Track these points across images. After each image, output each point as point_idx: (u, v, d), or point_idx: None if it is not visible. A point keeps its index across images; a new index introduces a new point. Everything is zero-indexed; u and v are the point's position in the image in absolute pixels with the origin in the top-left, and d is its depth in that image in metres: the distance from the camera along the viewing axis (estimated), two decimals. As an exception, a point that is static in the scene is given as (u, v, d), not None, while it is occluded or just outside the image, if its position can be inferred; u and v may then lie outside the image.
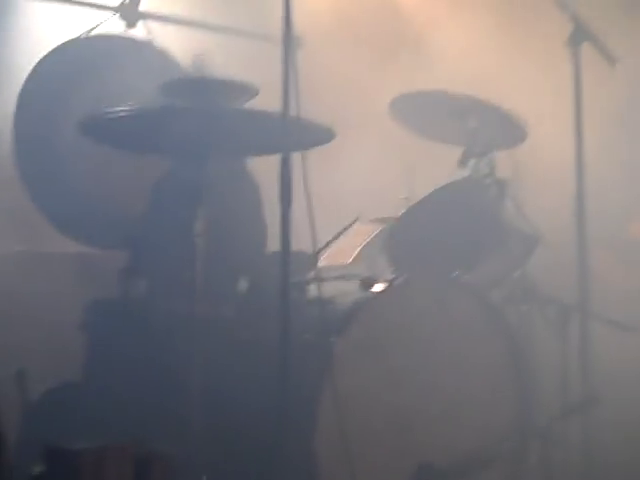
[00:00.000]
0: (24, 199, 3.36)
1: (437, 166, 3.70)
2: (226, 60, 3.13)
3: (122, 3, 3.77)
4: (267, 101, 2.57)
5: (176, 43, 3.75)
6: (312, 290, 2.81)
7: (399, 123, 3.67)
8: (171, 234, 2.84)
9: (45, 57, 3.47)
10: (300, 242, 2.54)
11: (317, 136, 2.73)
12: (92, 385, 2.88)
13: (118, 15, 3.76)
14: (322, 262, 3.51)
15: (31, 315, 3.18)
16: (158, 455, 2.22)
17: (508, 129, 3.46)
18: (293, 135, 2.46)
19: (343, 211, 3.59)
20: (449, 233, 3.23)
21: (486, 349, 2.91)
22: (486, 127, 3.41)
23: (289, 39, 2.50)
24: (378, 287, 2.81)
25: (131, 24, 3.80)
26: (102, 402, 2.77)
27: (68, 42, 3.54)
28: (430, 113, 3.58)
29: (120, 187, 3.36)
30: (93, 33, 3.62)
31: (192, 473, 2.52)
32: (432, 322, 2.81)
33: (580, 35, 3.23)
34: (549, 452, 2.87)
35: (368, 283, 2.84)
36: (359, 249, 3.54)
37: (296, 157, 2.49)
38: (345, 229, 3.52)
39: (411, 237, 3.25)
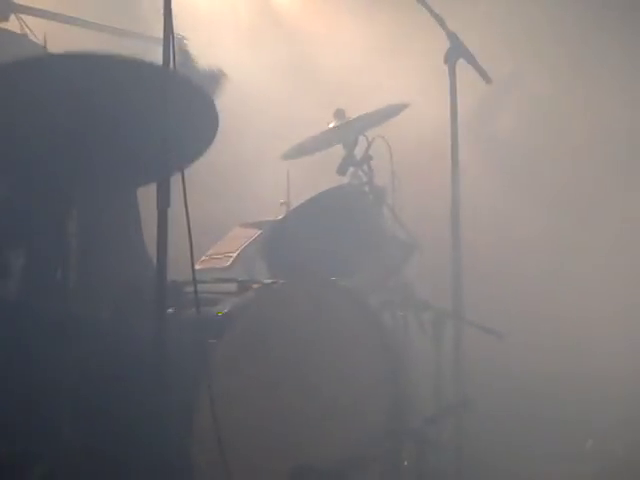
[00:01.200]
0: None
1: (316, 172, 3.74)
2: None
3: (-6, -4, 3.64)
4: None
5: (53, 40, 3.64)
6: (190, 292, 2.77)
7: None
8: (41, 232, 2.74)
9: None
10: (178, 245, 2.50)
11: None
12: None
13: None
14: (201, 265, 3.49)
15: None
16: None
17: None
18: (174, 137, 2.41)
19: (222, 214, 3.58)
20: (328, 238, 3.26)
21: (363, 352, 2.93)
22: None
23: (170, 37, 2.45)
24: (256, 290, 2.79)
25: (4, 17, 3.67)
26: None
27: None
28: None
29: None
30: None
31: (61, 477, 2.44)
32: (310, 325, 2.81)
33: (456, 52, 3.32)
34: (423, 454, 2.92)
35: (246, 286, 2.81)
36: (237, 252, 3.52)
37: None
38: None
39: (289, 241, 3.26)
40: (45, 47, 3.53)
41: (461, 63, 3.30)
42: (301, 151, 3.73)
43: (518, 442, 3.74)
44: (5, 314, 2.74)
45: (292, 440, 2.74)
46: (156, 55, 2.50)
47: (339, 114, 3.63)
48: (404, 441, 2.96)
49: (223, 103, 2.77)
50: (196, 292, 2.45)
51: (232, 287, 2.88)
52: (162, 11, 2.44)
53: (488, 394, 3.39)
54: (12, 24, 3.68)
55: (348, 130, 3.58)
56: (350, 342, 2.92)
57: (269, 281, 2.79)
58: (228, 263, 3.49)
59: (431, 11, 3.27)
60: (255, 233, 3.57)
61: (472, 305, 3.32)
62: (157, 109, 2.38)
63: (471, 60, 3.27)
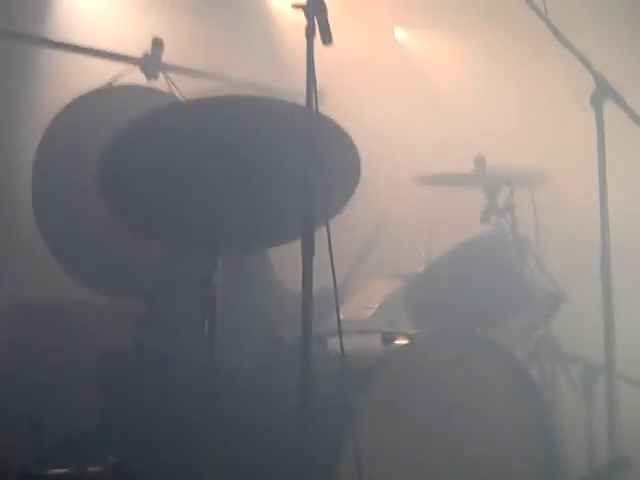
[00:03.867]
0: (42, 248, 3.33)
1: (457, 223, 3.69)
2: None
3: (144, 55, 3.78)
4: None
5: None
6: (333, 343, 2.75)
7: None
8: (188, 284, 2.79)
9: (66, 107, 3.47)
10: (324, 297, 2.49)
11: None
12: (107, 438, 2.81)
13: (139, 67, 3.78)
14: (342, 316, 3.46)
15: (46, 366, 3.13)
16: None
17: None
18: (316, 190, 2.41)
19: (364, 266, 3.56)
20: (471, 290, 3.19)
21: (510, 408, 2.83)
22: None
23: (312, 94, 2.47)
24: (400, 342, 2.75)
25: (152, 76, 3.80)
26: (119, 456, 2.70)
27: (89, 93, 3.54)
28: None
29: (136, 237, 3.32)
30: (114, 84, 3.63)
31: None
32: (455, 379, 2.75)
33: (603, 93, 3.21)
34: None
35: (390, 338, 2.78)
36: (379, 304, 3.50)
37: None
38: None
39: (432, 293, 3.22)
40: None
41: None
42: (438, 180, 3.67)
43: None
44: (153, 364, 2.79)
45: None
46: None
47: (479, 161, 3.57)
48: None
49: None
50: (341, 342, 2.43)
51: (375, 339, 2.86)
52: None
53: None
54: (160, 83, 3.80)
55: (489, 178, 3.52)
56: (496, 398, 2.83)
57: (413, 332, 2.75)
58: (369, 315, 3.47)
59: (573, 50, 3.17)
60: (397, 285, 3.54)
61: (625, 359, 3.16)
62: (300, 152, 2.39)
63: (620, 101, 3.15)
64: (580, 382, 3.18)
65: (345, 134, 2.64)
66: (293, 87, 3.99)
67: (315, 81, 2.45)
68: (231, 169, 2.66)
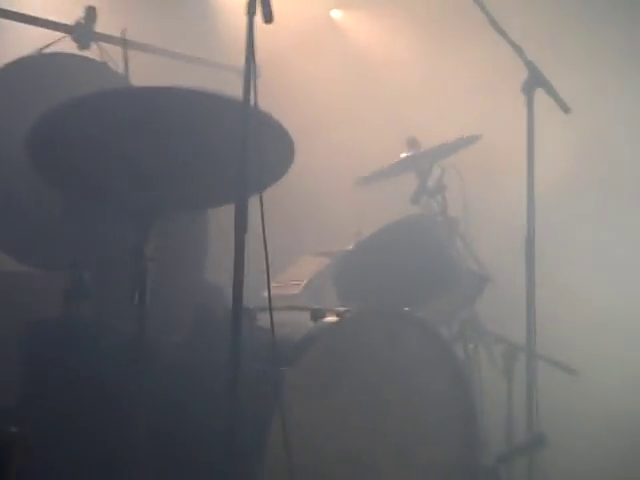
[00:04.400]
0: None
1: (388, 201, 3.74)
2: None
3: (77, 23, 3.72)
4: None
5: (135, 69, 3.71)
6: (262, 318, 2.77)
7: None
8: (119, 255, 2.77)
9: (-5, 73, 3.40)
10: (253, 272, 2.50)
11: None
12: (30, 406, 2.78)
13: (71, 36, 3.72)
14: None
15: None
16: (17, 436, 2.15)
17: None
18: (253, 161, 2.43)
19: (294, 242, 3.59)
20: (400, 269, 3.24)
21: (434, 385, 2.90)
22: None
23: (251, 70, 2.47)
24: (329, 319, 2.78)
25: (84, 44, 3.74)
26: (39, 425, 2.68)
27: (20, 59, 3.47)
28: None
29: (67, 207, 3.27)
30: (46, 51, 3.56)
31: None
32: (382, 356, 2.79)
33: (534, 81, 3.28)
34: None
35: (319, 314, 2.80)
36: (307, 281, 3.52)
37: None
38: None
39: (361, 271, 3.26)
40: (125, 75, 3.62)
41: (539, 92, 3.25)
42: (374, 178, 3.73)
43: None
44: (83, 334, 2.78)
45: (361, 473, 2.71)
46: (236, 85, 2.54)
47: (412, 142, 3.62)
48: (475, 479, 2.90)
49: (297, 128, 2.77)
50: (272, 318, 2.44)
51: (304, 315, 2.88)
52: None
53: (561, 431, 3.30)
54: (93, 52, 3.74)
55: (421, 159, 3.57)
56: (421, 374, 2.89)
57: (342, 309, 2.78)
58: (298, 291, 3.49)
59: (509, 40, 3.24)
60: (325, 262, 3.57)
61: (546, 339, 3.26)
62: (235, 143, 2.40)
63: (550, 90, 3.23)
64: (502, 361, 3.26)
65: (279, 124, 2.66)
66: (231, 62, 4.02)
67: (254, 58, 2.47)
68: (165, 151, 2.66)
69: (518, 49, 3.28)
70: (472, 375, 3.19)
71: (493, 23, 3.24)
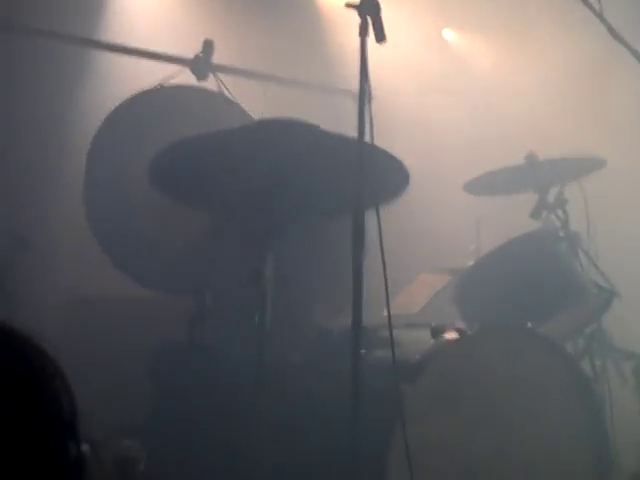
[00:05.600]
0: (93, 245, 3.39)
1: (507, 217, 3.67)
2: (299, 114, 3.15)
3: (195, 56, 3.84)
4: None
5: (248, 97, 3.79)
6: (382, 337, 2.76)
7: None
8: (239, 279, 2.83)
9: (118, 107, 3.53)
10: (371, 290, 2.50)
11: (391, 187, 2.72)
12: (157, 431, 2.86)
13: (190, 68, 3.84)
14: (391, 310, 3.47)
15: (99, 360, 3.18)
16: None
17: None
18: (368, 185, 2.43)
19: (412, 261, 3.56)
20: (522, 284, 3.17)
21: (562, 403, 2.80)
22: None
23: (365, 92, 2.48)
24: (449, 336, 2.75)
25: (202, 76, 3.85)
26: (166, 449, 2.75)
27: (141, 93, 3.60)
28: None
29: (189, 234, 3.37)
30: (166, 84, 3.68)
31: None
32: (505, 374, 2.73)
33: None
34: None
35: (439, 331, 2.78)
36: (428, 299, 3.49)
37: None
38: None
39: (482, 288, 3.20)
40: (240, 106, 3.70)
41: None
42: (488, 186, 3.66)
43: None
44: (205, 359, 2.83)
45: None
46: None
47: (531, 157, 3.55)
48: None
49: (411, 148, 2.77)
50: (391, 335, 2.43)
51: (424, 333, 2.85)
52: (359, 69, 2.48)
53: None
54: (210, 83, 3.85)
55: (540, 174, 3.49)
56: (547, 391, 2.80)
57: (463, 326, 2.74)
58: (417, 309, 3.47)
59: (629, 47, 3.13)
60: (444, 280, 3.53)
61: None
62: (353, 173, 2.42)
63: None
64: (632, 378, 3.14)
65: (394, 158, 2.66)
66: (344, 85, 4.05)
67: (368, 80, 2.47)
68: (284, 180, 2.71)
69: (637, 54, 3.17)
70: (602, 392, 3.08)
71: (612, 33, 3.15)
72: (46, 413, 1.33)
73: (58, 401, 1.36)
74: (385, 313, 2.51)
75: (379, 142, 2.49)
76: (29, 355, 1.35)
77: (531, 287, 3.15)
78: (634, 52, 3.16)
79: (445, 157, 4.28)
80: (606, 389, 3.20)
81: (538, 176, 3.51)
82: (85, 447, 1.37)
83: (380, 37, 2.47)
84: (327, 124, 2.74)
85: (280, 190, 2.75)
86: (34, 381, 1.34)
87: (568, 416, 2.81)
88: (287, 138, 2.61)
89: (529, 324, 2.92)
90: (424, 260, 3.76)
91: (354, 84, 2.48)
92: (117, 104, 3.52)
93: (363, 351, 2.47)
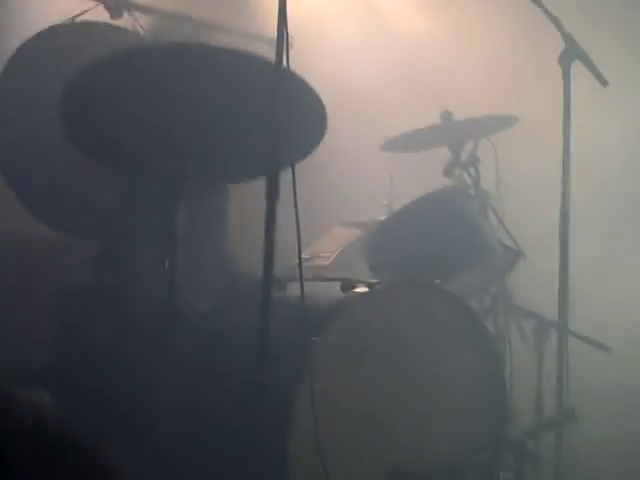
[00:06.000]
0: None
1: (420, 173, 3.70)
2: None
3: (109, -9, 3.70)
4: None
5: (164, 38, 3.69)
6: (292, 288, 2.77)
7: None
8: (150, 223, 2.78)
9: (27, 42, 3.39)
10: (283, 241, 2.49)
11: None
12: (63, 377, 2.81)
13: (104, 4, 3.70)
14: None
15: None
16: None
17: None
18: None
19: (325, 213, 3.57)
20: (431, 241, 3.22)
21: (464, 357, 2.88)
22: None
23: (283, 38, 2.44)
24: (360, 289, 2.77)
25: (117, 14, 3.73)
26: (69, 392, 2.70)
27: (50, 28, 3.46)
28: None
29: (98, 173, 3.28)
30: (78, 20, 3.55)
31: (160, 470, 2.46)
32: (412, 327, 2.78)
33: (571, 54, 3.22)
34: (522, 466, 2.84)
35: (349, 285, 2.79)
36: (338, 251, 3.51)
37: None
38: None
39: (393, 243, 3.23)
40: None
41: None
42: (403, 145, 3.69)
43: (619, 458, 3.61)
44: (113, 301, 2.79)
45: (389, 444, 2.70)
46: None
47: (446, 116, 3.58)
48: (502, 452, 2.89)
49: (327, 100, 2.75)
50: (302, 288, 2.44)
51: (334, 285, 2.87)
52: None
53: (591, 407, 3.27)
54: (125, 22, 3.73)
55: (454, 132, 3.53)
56: (451, 347, 2.87)
57: (373, 281, 2.76)
58: (328, 262, 3.48)
59: (546, 11, 3.18)
60: (356, 233, 3.55)
61: (578, 315, 3.23)
62: (268, 105, 2.38)
63: (587, 62, 3.17)
64: (532, 337, 3.24)
65: (312, 90, 2.63)
66: (262, 32, 3.99)
67: (286, 27, 2.43)
68: (197, 114, 2.65)
69: (556, 20, 3.22)
70: (502, 349, 3.17)
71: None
72: None
73: None
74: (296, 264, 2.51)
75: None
76: None
77: (440, 244, 3.20)
78: (548, 14, 3.22)
79: (361, 110, 4.26)
80: (507, 347, 3.29)
81: (452, 134, 3.56)
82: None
83: None
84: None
85: (194, 127, 2.68)
86: None
87: (470, 370, 2.89)
88: (200, 62, 2.54)
89: (437, 280, 2.95)
90: (337, 213, 3.77)
91: (271, 32, 2.44)
92: (27, 37, 3.37)
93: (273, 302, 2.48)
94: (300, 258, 2.47)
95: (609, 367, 3.48)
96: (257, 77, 2.55)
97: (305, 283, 2.75)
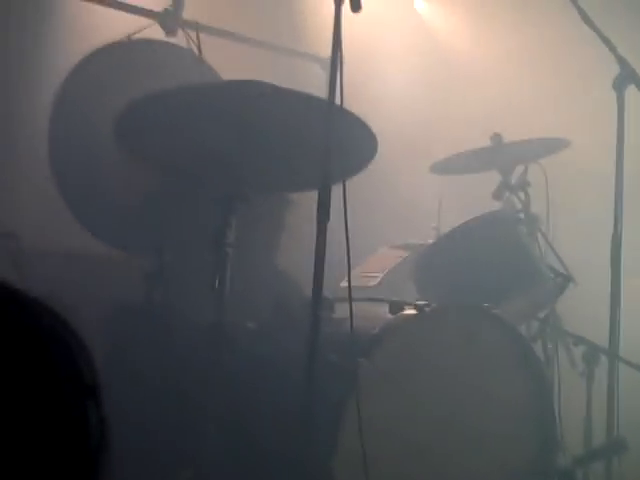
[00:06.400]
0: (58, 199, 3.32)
1: (468, 197, 3.69)
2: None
3: (165, 10, 3.76)
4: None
5: (217, 55, 3.73)
6: (340, 309, 2.77)
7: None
8: (201, 242, 2.80)
9: (85, 59, 3.45)
10: (332, 262, 2.49)
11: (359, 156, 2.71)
12: (108, 390, 2.83)
13: (159, 22, 3.75)
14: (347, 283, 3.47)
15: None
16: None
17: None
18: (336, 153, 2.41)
19: (373, 235, 3.56)
20: (480, 265, 3.19)
21: (512, 385, 2.85)
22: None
23: (337, 58, 2.45)
24: (408, 312, 2.76)
25: (171, 31, 3.78)
26: (117, 408, 2.72)
27: (106, 46, 3.52)
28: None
29: (151, 192, 3.32)
30: (134, 38, 3.60)
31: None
32: (460, 352, 2.76)
33: (626, 78, 3.19)
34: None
35: (397, 307, 2.79)
36: (385, 273, 3.50)
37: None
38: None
39: (441, 266, 3.21)
40: (209, 65, 3.64)
41: (631, 90, 3.16)
42: (452, 168, 3.68)
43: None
44: (164, 320, 2.81)
45: (434, 471, 2.68)
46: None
47: (496, 139, 3.56)
48: (550, 480, 2.85)
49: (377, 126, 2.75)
50: (351, 309, 2.43)
51: (381, 307, 2.86)
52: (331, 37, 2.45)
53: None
54: (179, 39, 3.78)
55: (505, 155, 3.51)
56: (499, 373, 2.85)
57: (421, 303, 2.75)
58: (375, 283, 3.47)
59: (599, 33, 3.15)
60: (404, 255, 3.53)
61: (629, 342, 3.18)
62: (320, 138, 2.39)
63: (642, 86, 3.14)
64: (582, 363, 3.20)
65: (364, 124, 2.64)
66: (315, 52, 4.01)
67: (341, 49, 2.44)
68: (250, 143, 2.68)
69: (610, 44, 3.19)
70: (551, 375, 3.13)
71: (584, 17, 3.16)
72: (63, 375, 1.26)
73: (75, 362, 1.28)
74: (345, 284, 2.51)
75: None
76: (40, 315, 1.27)
77: (488, 268, 3.18)
78: (603, 37, 3.19)
79: (413, 133, 4.27)
80: (556, 372, 3.25)
81: (502, 157, 3.54)
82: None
83: (356, 6, 2.44)
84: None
85: (248, 153, 2.72)
86: (48, 343, 1.26)
87: (518, 396, 2.86)
88: (256, 100, 2.57)
89: (485, 305, 2.93)
90: (385, 235, 3.76)
91: (324, 51, 2.45)
92: (85, 54, 3.43)
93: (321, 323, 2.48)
94: (350, 278, 2.47)
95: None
96: (311, 112, 2.57)
97: (354, 303, 2.76)
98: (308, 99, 2.59)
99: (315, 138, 2.45)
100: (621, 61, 3.19)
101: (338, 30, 2.46)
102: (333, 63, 2.45)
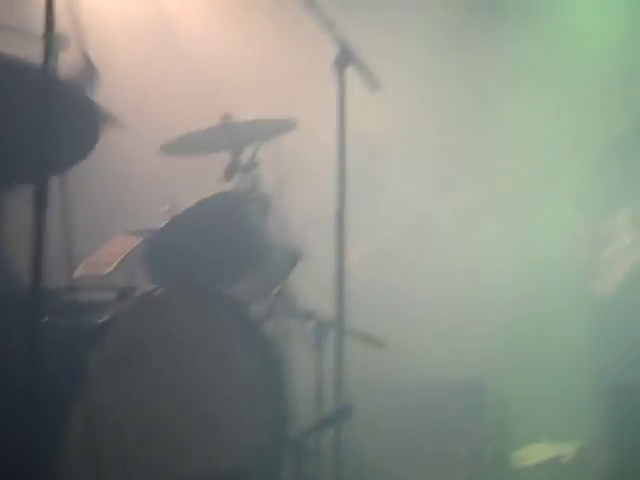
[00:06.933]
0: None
1: (201, 178, 3.69)
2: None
3: None
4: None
5: None
6: (67, 299, 2.68)
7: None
8: None
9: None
10: (56, 250, 2.40)
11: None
12: None
13: None
14: (79, 271, 3.38)
15: None
16: None
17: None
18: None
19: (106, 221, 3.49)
20: (211, 246, 3.21)
21: (243, 361, 2.91)
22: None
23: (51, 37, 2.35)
24: (136, 297, 2.73)
25: None
26: None
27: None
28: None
29: None
30: None
31: None
32: (189, 334, 2.77)
33: (345, 58, 3.29)
34: (302, 464, 2.91)
35: (126, 294, 2.74)
36: (118, 259, 3.43)
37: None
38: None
39: (172, 249, 3.20)
40: None
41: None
42: (184, 148, 3.67)
43: (398, 452, 3.77)
44: None
45: (169, 453, 2.69)
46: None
47: (226, 117, 3.58)
48: (283, 452, 2.94)
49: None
50: (74, 299, 2.36)
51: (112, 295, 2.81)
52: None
53: (368, 403, 3.40)
54: None
55: (235, 135, 3.54)
56: (229, 351, 2.89)
57: (149, 289, 2.73)
58: (107, 271, 3.39)
59: (320, 14, 3.22)
60: (137, 241, 3.47)
61: (356, 314, 3.33)
62: (36, 112, 2.28)
63: (361, 67, 3.26)
64: (313, 336, 3.31)
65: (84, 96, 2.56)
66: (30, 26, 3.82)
67: (54, 26, 2.34)
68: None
69: (330, 24, 3.26)
70: (283, 351, 3.21)
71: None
72: None
73: None
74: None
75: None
76: None
77: (219, 248, 3.21)
78: (324, 18, 3.26)
79: (144, 115, 4.20)
80: (288, 347, 3.34)
81: (232, 137, 3.56)
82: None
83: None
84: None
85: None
86: None
87: (248, 374, 2.92)
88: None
89: (218, 285, 2.96)
90: (120, 223, 3.68)
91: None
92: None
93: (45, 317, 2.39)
94: (71, 268, 2.40)
95: (386, 362, 3.62)
96: (24, 82, 2.44)
97: (85, 293, 2.70)
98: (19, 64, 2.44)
99: (32, 115, 2.33)
100: (340, 41, 3.28)
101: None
102: (47, 39, 2.34)
